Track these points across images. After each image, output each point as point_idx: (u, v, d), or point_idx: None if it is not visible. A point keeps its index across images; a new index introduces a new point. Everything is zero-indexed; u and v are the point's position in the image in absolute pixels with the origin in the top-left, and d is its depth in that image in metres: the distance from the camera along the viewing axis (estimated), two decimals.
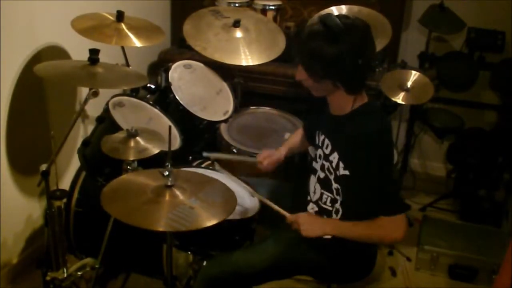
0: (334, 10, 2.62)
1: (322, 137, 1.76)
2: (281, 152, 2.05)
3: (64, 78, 1.88)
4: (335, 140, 1.70)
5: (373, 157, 1.60)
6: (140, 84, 2.07)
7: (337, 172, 1.67)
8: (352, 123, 1.65)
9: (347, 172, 1.64)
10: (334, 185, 1.71)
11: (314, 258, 1.77)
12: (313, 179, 1.83)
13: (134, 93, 2.26)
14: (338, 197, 1.71)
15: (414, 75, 2.59)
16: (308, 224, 1.71)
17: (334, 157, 1.68)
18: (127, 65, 2.39)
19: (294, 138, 2.13)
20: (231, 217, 1.48)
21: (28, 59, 2.22)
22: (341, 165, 1.65)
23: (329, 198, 1.75)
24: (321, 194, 1.77)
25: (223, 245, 1.85)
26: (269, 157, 2.03)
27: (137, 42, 2.14)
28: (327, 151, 1.71)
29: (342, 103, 1.67)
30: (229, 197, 1.53)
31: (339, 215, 1.72)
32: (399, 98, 2.51)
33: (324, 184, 1.75)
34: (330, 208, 1.75)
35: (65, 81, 2.02)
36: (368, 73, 1.66)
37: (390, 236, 1.67)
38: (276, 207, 1.81)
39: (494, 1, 3.06)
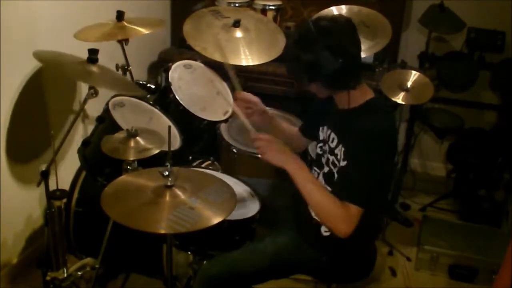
0: (334, 10, 2.62)
1: (328, 132, 1.76)
2: (261, 104, 1.99)
3: (60, 67, 1.87)
4: (342, 134, 1.70)
5: (373, 150, 1.60)
6: (128, 93, 2.07)
7: (340, 164, 1.68)
8: (360, 117, 1.66)
9: (345, 163, 1.65)
10: (336, 178, 1.71)
11: (313, 258, 1.77)
12: (318, 175, 1.83)
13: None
14: None
15: (414, 75, 2.59)
16: (271, 147, 1.66)
17: (340, 150, 1.68)
18: (127, 65, 2.39)
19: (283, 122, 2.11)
20: (231, 217, 1.47)
21: (28, 60, 2.21)
22: (343, 157, 1.66)
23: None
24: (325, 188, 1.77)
25: (223, 245, 1.85)
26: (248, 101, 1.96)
27: (142, 30, 2.16)
28: (333, 145, 1.72)
29: (345, 99, 1.68)
30: (229, 197, 1.53)
31: None
32: (399, 98, 2.51)
33: (328, 178, 1.75)
34: None
35: (60, 70, 2.00)
36: (356, 68, 1.64)
37: (336, 223, 1.59)
38: (244, 120, 1.77)
39: (494, 1, 3.06)
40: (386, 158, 1.66)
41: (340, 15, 1.65)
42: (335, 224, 1.61)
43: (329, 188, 1.74)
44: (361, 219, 1.64)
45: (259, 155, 1.67)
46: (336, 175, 1.70)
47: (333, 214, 1.60)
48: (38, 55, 1.80)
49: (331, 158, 1.73)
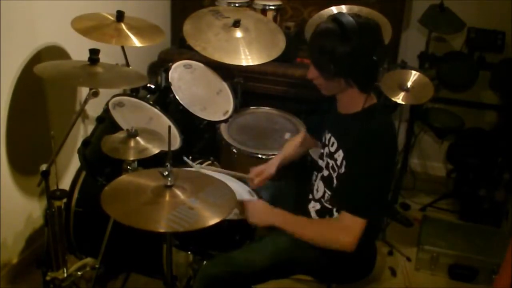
0: (334, 10, 2.62)
1: (328, 136, 1.77)
2: (272, 168, 2.05)
3: (64, 78, 1.87)
4: (341, 139, 1.70)
5: (372, 157, 1.60)
6: (140, 84, 2.07)
7: (340, 170, 1.67)
8: (360, 122, 1.65)
9: (344, 171, 1.64)
10: (335, 184, 1.71)
11: (314, 258, 1.77)
12: (318, 177, 1.83)
13: (134, 93, 2.26)
14: None
15: (414, 75, 2.59)
16: (256, 211, 1.73)
17: (339, 155, 1.68)
18: (127, 65, 2.39)
19: (287, 148, 2.13)
20: (231, 217, 1.48)
21: (28, 59, 2.22)
22: (344, 163, 1.65)
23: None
24: (324, 192, 1.77)
25: (223, 245, 1.85)
26: (260, 174, 2.03)
27: (137, 42, 2.15)
28: (333, 149, 1.72)
29: (353, 102, 1.67)
30: (229, 197, 1.53)
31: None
32: (399, 98, 2.51)
33: (328, 182, 1.76)
34: (330, 207, 1.75)
35: (65, 81, 2.02)
36: (378, 71, 1.64)
37: (339, 239, 1.60)
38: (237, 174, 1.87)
39: (494, 1, 3.06)
40: (385, 164, 1.65)
41: (369, 18, 1.63)
42: (339, 244, 1.62)
43: (328, 192, 1.75)
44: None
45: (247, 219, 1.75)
46: (335, 181, 1.71)
47: (333, 237, 1.62)
48: (39, 71, 1.80)
49: (331, 162, 1.73)
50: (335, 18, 1.58)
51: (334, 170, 1.71)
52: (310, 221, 1.68)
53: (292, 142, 2.15)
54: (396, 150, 1.77)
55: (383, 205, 1.76)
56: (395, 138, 1.72)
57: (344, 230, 1.60)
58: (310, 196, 1.87)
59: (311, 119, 2.11)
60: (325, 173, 1.77)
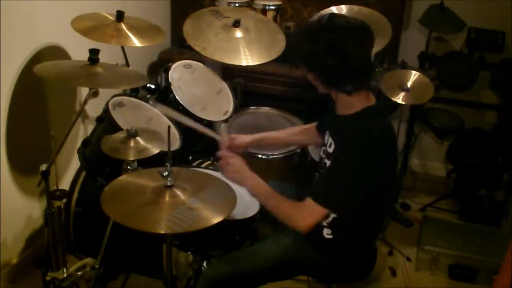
0: (334, 10, 2.62)
1: (327, 136, 1.77)
2: (247, 138, 2.08)
3: (64, 78, 1.88)
4: (337, 139, 1.70)
5: (355, 155, 1.58)
6: (140, 84, 2.07)
7: None
8: (354, 123, 1.64)
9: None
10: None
11: (314, 258, 1.77)
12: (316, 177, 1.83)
13: (134, 93, 2.26)
14: None
15: (414, 75, 2.59)
16: (230, 167, 1.80)
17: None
18: (127, 65, 2.39)
19: (273, 133, 2.15)
20: (231, 217, 1.47)
21: (28, 59, 2.22)
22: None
23: None
24: None
25: (223, 245, 1.85)
26: (232, 139, 2.06)
27: (137, 42, 2.15)
28: (330, 150, 1.72)
29: (345, 103, 1.66)
30: (229, 197, 1.53)
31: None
32: (399, 98, 2.51)
33: None
34: None
35: (65, 81, 2.03)
36: (355, 72, 1.60)
37: (293, 219, 1.67)
38: (208, 132, 1.94)
39: (494, 1, 3.06)
40: (373, 165, 1.60)
41: (358, 19, 1.63)
42: (292, 222, 1.68)
43: None
44: (361, 220, 1.63)
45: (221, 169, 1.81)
46: None
47: (290, 215, 1.68)
48: (39, 71, 1.80)
49: (328, 162, 1.73)
50: (312, 18, 1.65)
51: None
52: (278, 197, 1.71)
53: (287, 129, 2.18)
54: (392, 153, 1.75)
55: (381, 201, 1.74)
56: (390, 141, 1.70)
57: (302, 212, 1.65)
58: None
59: (322, 116, 2.10)
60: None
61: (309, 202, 1.63)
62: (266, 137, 2.12)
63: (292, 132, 2.15)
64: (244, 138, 2.07)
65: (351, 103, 1.65)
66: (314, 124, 2.07)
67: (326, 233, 1.73)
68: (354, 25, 1.59)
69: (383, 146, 1.65)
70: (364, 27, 1.60)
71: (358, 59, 1.58)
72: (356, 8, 2.60)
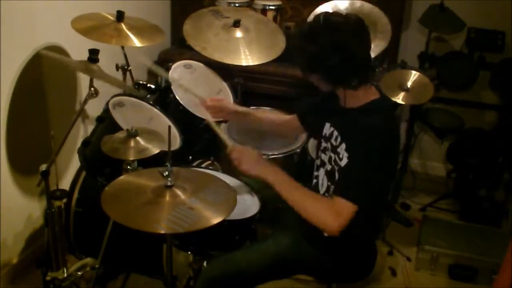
0: (337, 4, 2.63)
1: (331, 129, 1.76)
2: (231, 105, 2.10)
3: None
4: (344, 132, 1.70)
5: (371, 149, 1.59)
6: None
7: (341, 163, 1.67)
8: (361, 116, 1.66)
9: (345, 163, 1.65)
10: (337, 177, 1.71)
11: (314, 258, 1.77)
12: (321, 172, 1.82)
13: (136, 86, 2.29)
14: None
15: (414, 75, 2.59)
16: (247, 158, 1.70)
17: (342, 148, 1.68)
18: (127, 65, 2.39)
19: (258, 115, 2.17)
20: (231, 217, 1.47)
21: (28, 59, 2.22)
22: (345, 155, 1.65)
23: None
24: (328, 186, 1.77)
25: (223, 245, 1.85)
26: (219, 100, 2.09)
27: (137, 42, 2.15)
28: (336, 143, 1.72)
29: (349, 97, 1.68)
30: (229, 197, 1.53)
31: None
32: (399, 98, 2.51)
33: (331, 176, 1.75)
34: None
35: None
36: (359, 67, 1.62)
37: (326, 220, 1.57)
38: (221, 135, 1.89)
39: (494, 1, 3.06)
40: (385, 158, 1.64)
41: (353, 14, 1.64)
42: (322, 223, 1.59)
43: (332, 186, 1.74)
44: (361, 219, 1.63)
45: (235, 164, 1.72)
46: (337, 174, 1.70)
47: (319, 212, 1.59)
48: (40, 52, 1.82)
49: (334, 156, 1.73)
50: (308, 20, 1.63)
51: (336, 164, 1.71)
52: (304, 191, 1.65)
53: (270, 117, 2.21)
54: (398, 145, 1.77)
55: (380, 201, 1.74)
56: (395, 132, 1.72)
57: (334, 212, 1.57)
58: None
59: (303, 102, 2.09)
60: (328, 167, 1.77)
61: (339, 200, 1.57)
62: (250, 114, 2.14)
63: (273, 122, 2.17)
64: (230, 103, 2.09)
65: (358, 96, 1.67)
66: (294, 116, 2.07)
67: None
68: (351, 21, 1.61)
69: (393, 138, 1.69)
70: (360, 21, 1.62)
71: (361, 53, 1.60)
72: (358, 3, 2.61)
